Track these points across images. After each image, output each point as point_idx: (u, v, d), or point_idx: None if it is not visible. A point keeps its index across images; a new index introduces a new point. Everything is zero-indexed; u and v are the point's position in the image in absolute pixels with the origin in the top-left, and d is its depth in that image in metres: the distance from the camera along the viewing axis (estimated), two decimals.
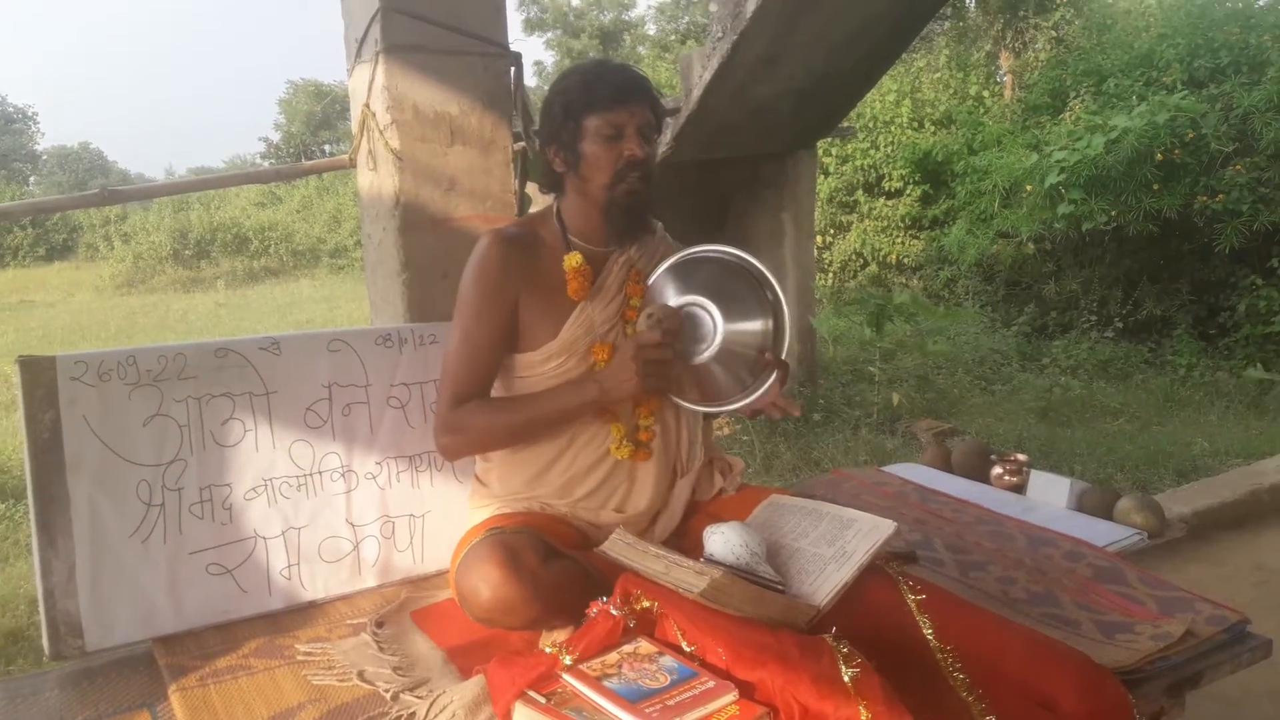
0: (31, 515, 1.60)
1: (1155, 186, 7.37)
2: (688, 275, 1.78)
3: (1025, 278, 8.92)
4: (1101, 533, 2.11)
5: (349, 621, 1.80)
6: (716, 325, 1.71)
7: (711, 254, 1.80)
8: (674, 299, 1.76)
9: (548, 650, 1.55)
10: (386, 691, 1.54)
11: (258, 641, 1.73)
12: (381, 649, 1.68)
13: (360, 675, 1.60)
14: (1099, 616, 1.73)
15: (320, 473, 1.85)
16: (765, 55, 4.78)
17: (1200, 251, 7.53)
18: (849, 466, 4.23)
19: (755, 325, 1.72)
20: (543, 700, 1.39)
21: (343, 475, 1.88)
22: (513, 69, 2.26)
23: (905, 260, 10.27)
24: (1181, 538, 2.49)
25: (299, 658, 1.67)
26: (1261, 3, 8.75)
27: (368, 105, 2.18)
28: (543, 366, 1.80)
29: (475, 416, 1.79)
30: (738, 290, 1.74)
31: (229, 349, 1.78)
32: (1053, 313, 8.44)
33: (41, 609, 1.61)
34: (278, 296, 13.00)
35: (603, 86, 1.75)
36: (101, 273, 15.63)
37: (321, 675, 1.60)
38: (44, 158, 38.65)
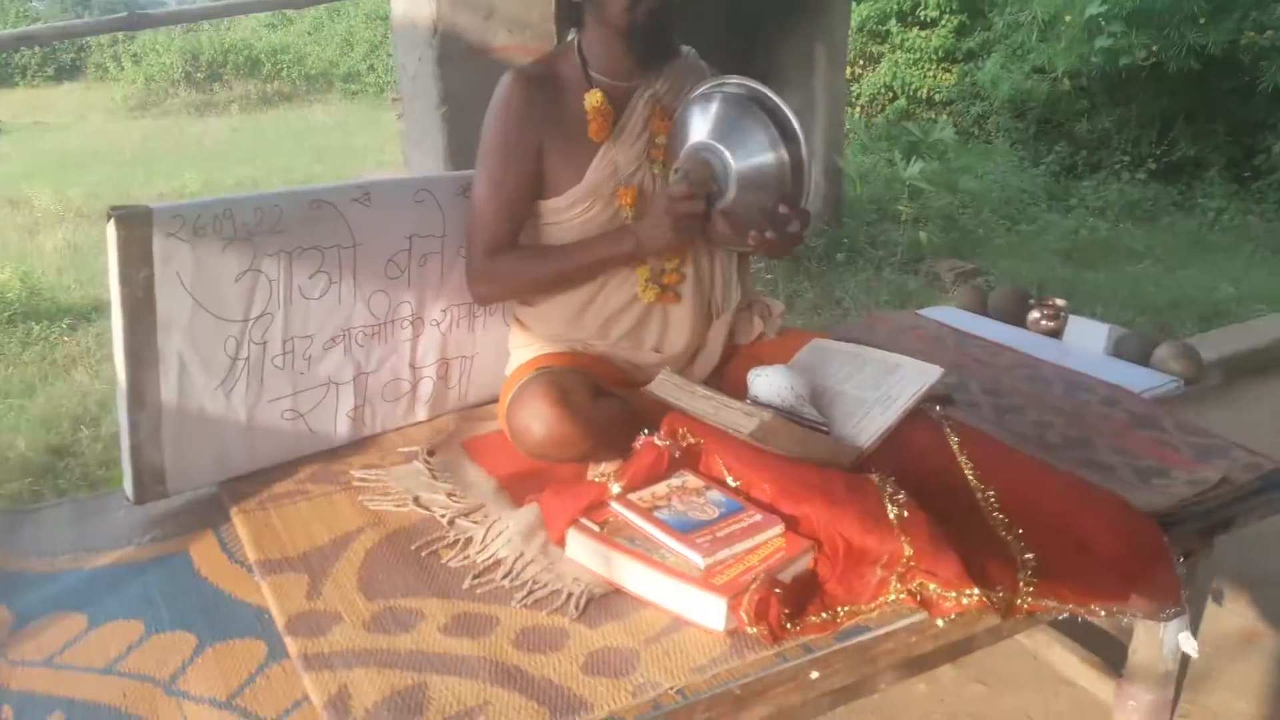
0: (120, 374, 1.59)
1: (1202, 20, 7.04)
2: (709, 108, 1.72)
3: (1058, 115, 8.65)
4: (1139, 379, 2.13)
5: (401, 449, 1.84)
6: (728, 167, 1.68)
7: (732, 87, 1.74)
8: (692, 139, 1.72)
9: (597, 479, 1.61)
10: (443, 517, 1.60)
11: (313, 468, 1.78)
12: (435, 476, 1.73)
13: (416, 500, 1.65)
14: (1135, 461, 1.77)
15: (393, 321, 1.86)
16: None
17: (1242, 90, 7.26)
18: (881, 309, 4.24)
19: (769, 159, 1.68)
20: (596, 528, 1.45)
21: (411, 323, 1.89)
22: None
23: (936, 95, 9.96)
24: (1206, 387, 2.51)
25: (355, 483, 1.72)
26: None
27: None
28: (569, 212, 1.78)
29: (511, 266, 1.79)
30: (748, 126, 1.69)
31: (322, 200, 1.73)
32: (1083, 151, 8.24)
33: (128, 461, 1.62)
34: (292, 122, 12.71)
35: None
36: (113, 94, 15.25)
37: (378, 500, 1.66)
38: None
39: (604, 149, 1.76)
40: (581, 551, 1.45)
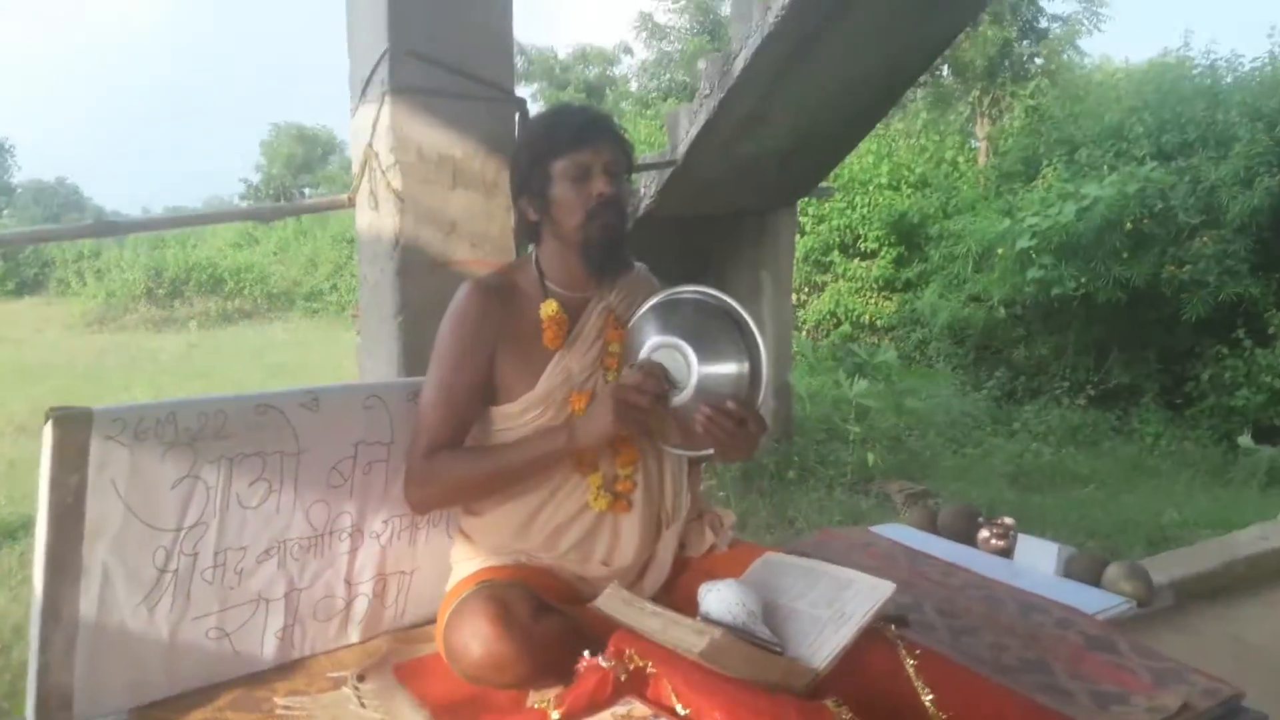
0: (37, 586, 1.50)
1: (1124, 255, 7.52)
2: (667, 316, 1.76)
3: (996, 342, 9.03)
4: (1091, 600, 2.10)
5: (329, 675, 1.74)
6: (691, 367, 1.69)
7: (690, 295, 1.79)
8: (652, 339, 1.74)
9: (536, 706, 1.52)
10: None
11: (234, 694, 1.67)
12: (363, 704, 1.63)
13: None
14: (1093, 686, 1.72)
15: (331, 533, 1.80)
16: (752, 113, 4.85)
17: (1167, 321, 7.66)
18: (834, 526, 4.21)
19: (730, 368, 1.70)
20: None
21: (350, 534, 1.83)
22: (517, 114, 2.26)
23: (878, 321, 10.37)
24: (1157, 609, 2.49)
25: (278, 711, 1.61)
26: (1228, 81, 9.02)
27: (371, 145, 2.17)
28: (521, 418, 1.77)
29: (447, 466, 1.76)
30: (715, 332, 1.73)
31: (269, 405, 1.70)
32: (1022, 377, 8.54)
33: (33, 683, 1.51)
34: (251, 339, 12.87)
35: (565, 129, 1.75)
36: (72, 309, 15.41)
37: None
38: (19, 190, 38.24)
39: (558, 356, 1.77)
40: None
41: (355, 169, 2.27)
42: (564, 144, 1.74)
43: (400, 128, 2.12)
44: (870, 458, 5.63)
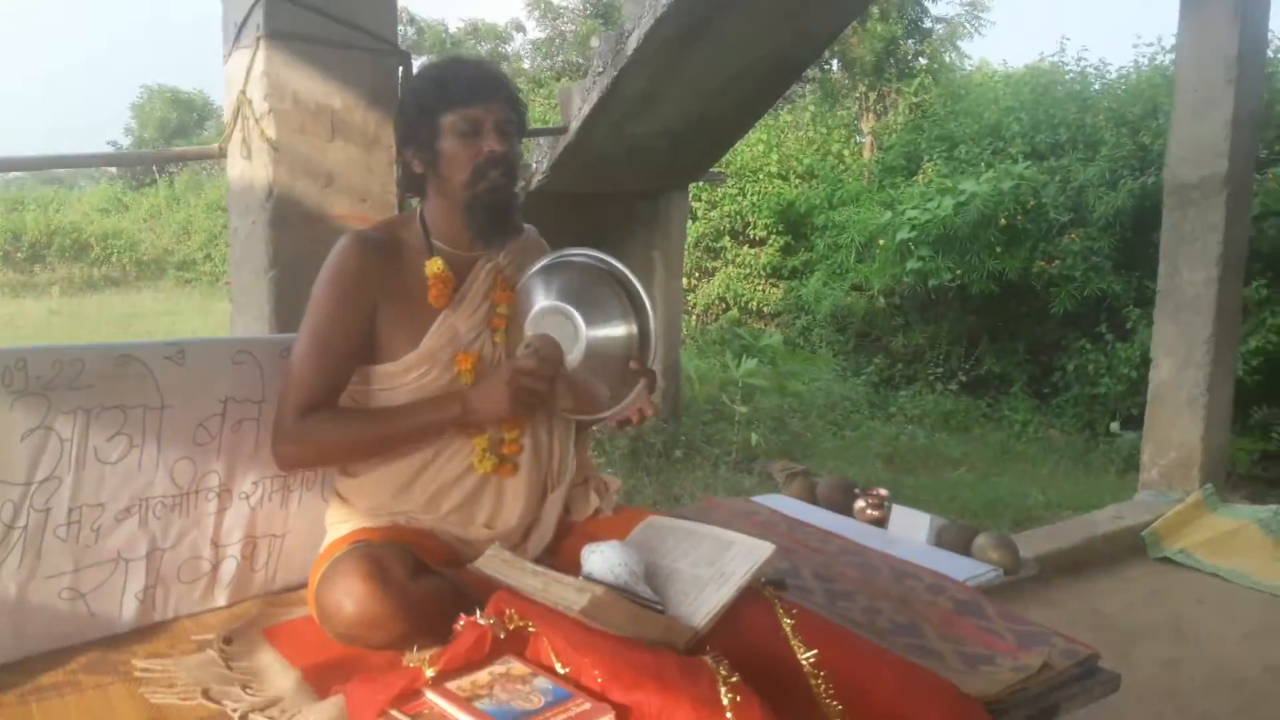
0: None
1: (998, 249, 7.82)
2: (554, 280, 1.74)
3: (875, 330, 9.29)
4: (961, 567, 2.17)
5: (194, 637, 1.66)
6: (579, 332, 1.68)
7: (579, 258, 1.77)
8: (540, 303, 1.72)
9: (411, 665, 1.48)
10: (234, 711, 1.43)
11: (89, 656, 1.58)
12: (230, 666, 1.56)
13: (205, 694, 1.47)
14: (961, 648, 1.77)
15: (197, 492, 1.71)
16: (644, 93, 4.85)
17: (1036, 313, 8.00)
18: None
19: (619, 330, 1.70)
20: None
21: (218, 494, 1.74)
22: (400, 68, 2.19)
23: (765, 307, 10.54)
24: (1025, 579, 2.59)
25: (136, 674, 1.53)
26: (1096, 87, 9.45)
27: (244, 92, 2.07)
28: (404, 377, 1.72)
29: (323, 427, 1.69)
30: (603, 296, 1.72)
31: (132, 356, 1.61)
32: (899, 364, 8.81)
33: None
34: (118, 306, 12.28)
35: (457, 83, 1.70)
36: None
37: (161, 693, 1.47)
38: None
39: (443, 315, 1.73)
40: None
41: (227, 117, 2.17)
42: (455, 97, 1.69)
43: (275, 74, 2.03)
44: (754, 437, 5.73)
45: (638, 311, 1.71)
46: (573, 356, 1.68)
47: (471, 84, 1.71)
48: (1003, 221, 7.80)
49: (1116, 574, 3.64)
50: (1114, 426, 6.83)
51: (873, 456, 6.23)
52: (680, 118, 5.20)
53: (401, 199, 2.19)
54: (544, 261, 1.78)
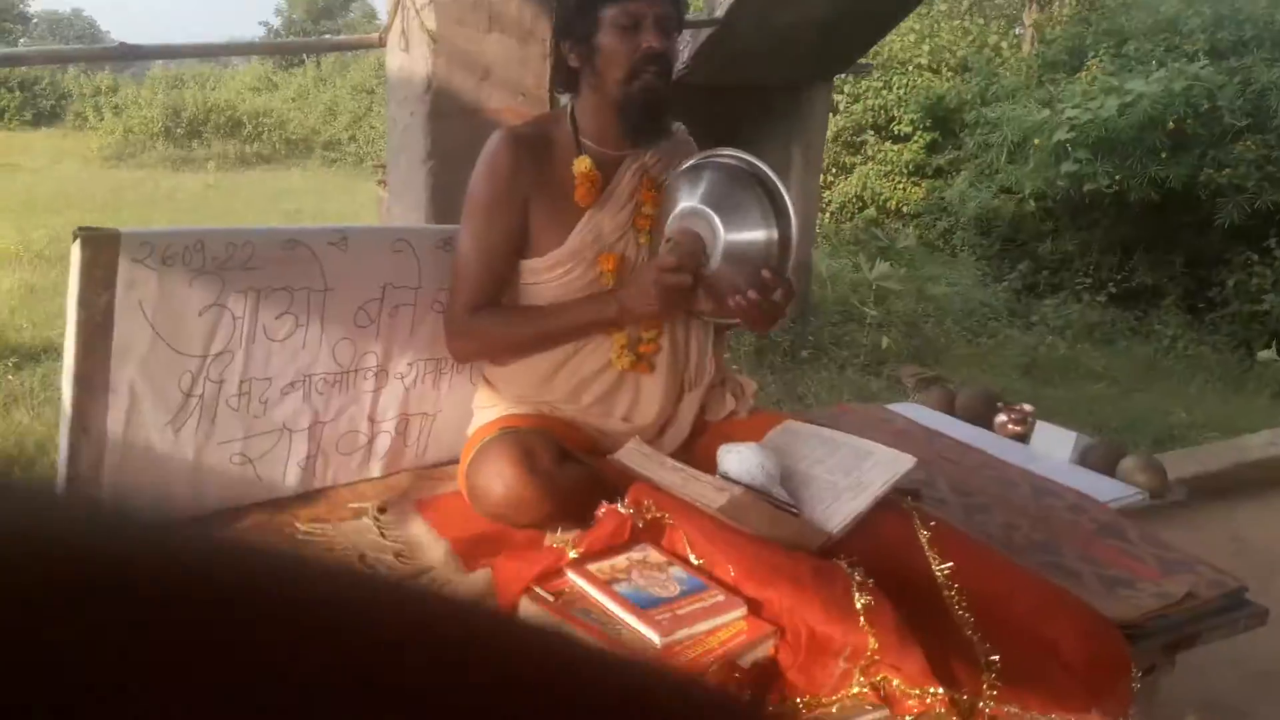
0: (66, 401, 1.52)
1: (1163, 155, 7.32)
2: (697, 182, 1.72)
3: (1022, 235, 8.89)
4: (1105, 489, 2.12)
5: (351, 505, 1.77)
6: (717, 235, 1.67)
7: (725, 159, 1.74)
8: (681, 205, 1.71)
9: (554, 546, 1.54)
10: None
11: (257, 517, 1.70)
12: (383, 534, 1.66)
13: (361, 559, 1.58)
14: (1101, 570, 1.74)
15: (356, 371, 1.80)
16: None
17: (1199, 225, 7.52)
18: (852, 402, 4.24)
19: (759, 235, 1.68)
20: (550, 598, 1.39)
21: (375, 374, 1.83)
22: None
23: (905, 207, 10.21)
24: (1169, 503, 2.50)
25: (298, 537, 1.65)
26: None
27: None
28: (549, 274, 1.76)
29: (491, 324, 1.76)
30: (745, 200, 1.69)
31: (298, 240, 1.69)
32: (1045, 272, 8.44)
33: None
34: (269, 184, 12.73)
35: None
36: (90, 143, 15.21)
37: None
38: (34, 21, 37.49)
39: (589, 214, 1.74)
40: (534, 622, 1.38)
41: (388, 7, 2.19)
42: None
43: None
44: (885, 341, 5.63)
45: (779, 217, 1.69)
46: (712, 260, 1.67)
47: None
48: (1171, 125, 7.27)
49: (1265, 502, 3.48)
50: (1264, 353, 6.43)
51: (1009, 366, 6.04)
52: (830, 7, 4.98)
53: (554, 92, 2.18)
54: (690, 162, 1.76)
